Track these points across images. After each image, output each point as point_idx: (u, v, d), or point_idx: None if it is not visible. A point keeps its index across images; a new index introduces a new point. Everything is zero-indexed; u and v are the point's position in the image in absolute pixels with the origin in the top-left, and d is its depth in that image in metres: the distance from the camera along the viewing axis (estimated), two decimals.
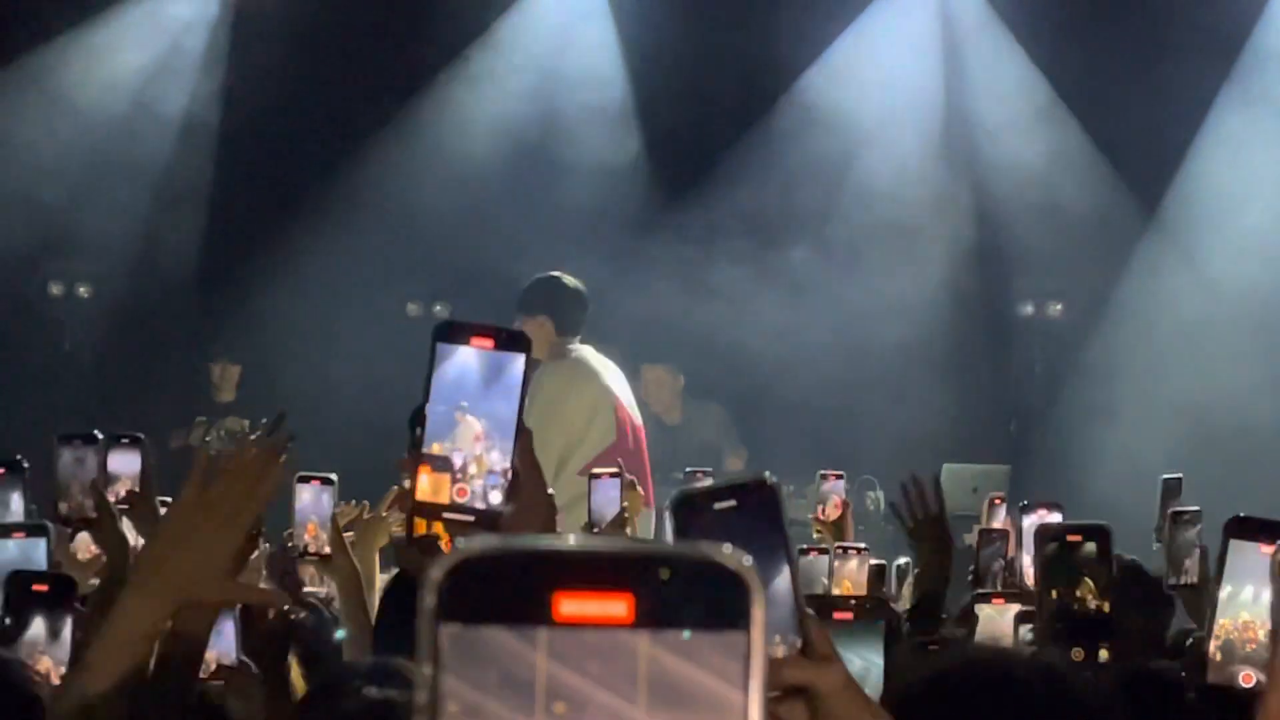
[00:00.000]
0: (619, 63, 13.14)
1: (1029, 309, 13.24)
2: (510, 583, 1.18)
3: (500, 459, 2.55)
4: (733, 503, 2.16)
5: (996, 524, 6.58)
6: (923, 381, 12.51)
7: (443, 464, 2.53)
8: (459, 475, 2.53)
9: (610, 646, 1.18)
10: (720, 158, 13.05)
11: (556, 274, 9.17)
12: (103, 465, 4.74)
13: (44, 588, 3.44)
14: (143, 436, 4.99)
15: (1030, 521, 5.56)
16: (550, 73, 13.15)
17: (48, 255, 12.66)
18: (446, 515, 2.53)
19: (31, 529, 4.26)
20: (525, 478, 2.56)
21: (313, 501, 5.17)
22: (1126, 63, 12.44)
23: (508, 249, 12.56)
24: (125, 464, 4.92)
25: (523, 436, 2.59)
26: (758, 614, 1.20)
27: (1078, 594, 3.75)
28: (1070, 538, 3.84)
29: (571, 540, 1.21)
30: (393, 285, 12.85)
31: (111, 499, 4.67)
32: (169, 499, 4.75)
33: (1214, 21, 12.42)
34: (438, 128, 12.98)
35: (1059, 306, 13.20)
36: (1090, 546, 3.75)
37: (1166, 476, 6.63)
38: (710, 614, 1.19)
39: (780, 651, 2.15)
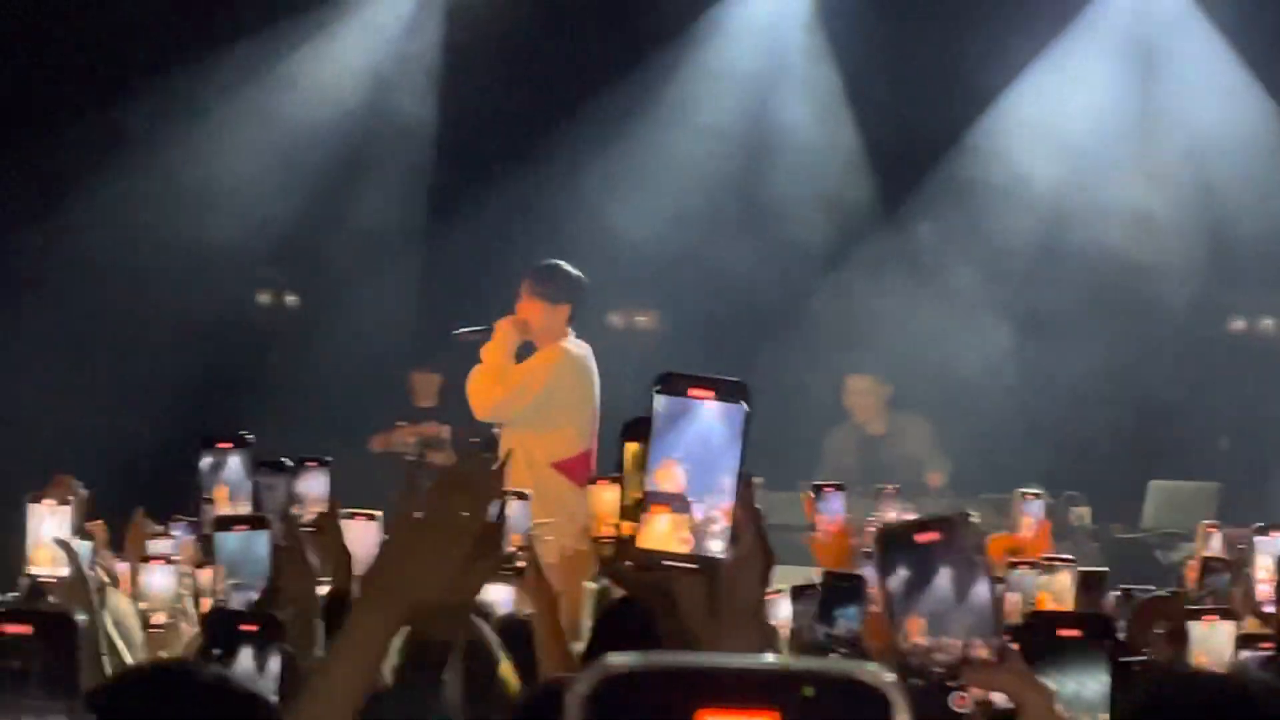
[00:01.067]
0: (831, 72, 13.13)
1: (1240, 324, 13.06)
2: (656, 698, 1.19)
3: (720, 509, 2.56)
4: (935, 536, 2.28)
5: (1214, 551, 6.47)
6: (1130, 397, 12.35)
7: (681, 505, 2.55)
8: (681, 524, 2.55)
9: None
10: (932, 175, 12.98)
11: (564, 264, 9.35)
12: (289, 490, 4.81)
13: (252, 628, 3.50)
14: (330, 459, 5.07)
15: (1265, 542, 5.49)
16: (761, 77, 13.15)
17: (258, 262, 12.84)
18: (668, 563, 2.55)
19: (254, 521, 4.30)
20: (745, 528, 2.57)
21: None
22: None
23: (723, 254, 12.60)
24: (314, 486, 5.00)
25: (744, 487, 2.61)
26: None
27: None
28: None
29: (716, 657, 1.22)
30: (602, 293, 12.87)
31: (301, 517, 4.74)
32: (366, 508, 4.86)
33: None
34: (650, 128, 13.00)
35: (1271, 322, 13.00)
36: None
37: None
38: None
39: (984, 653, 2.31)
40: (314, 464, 5.04)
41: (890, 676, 1.22)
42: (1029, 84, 12.89)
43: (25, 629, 2.20)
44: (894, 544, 2.37)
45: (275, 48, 12.80)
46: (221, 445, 4.61)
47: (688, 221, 12.82)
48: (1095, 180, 12.82)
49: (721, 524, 2.53)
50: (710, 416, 2.56)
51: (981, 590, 2.34)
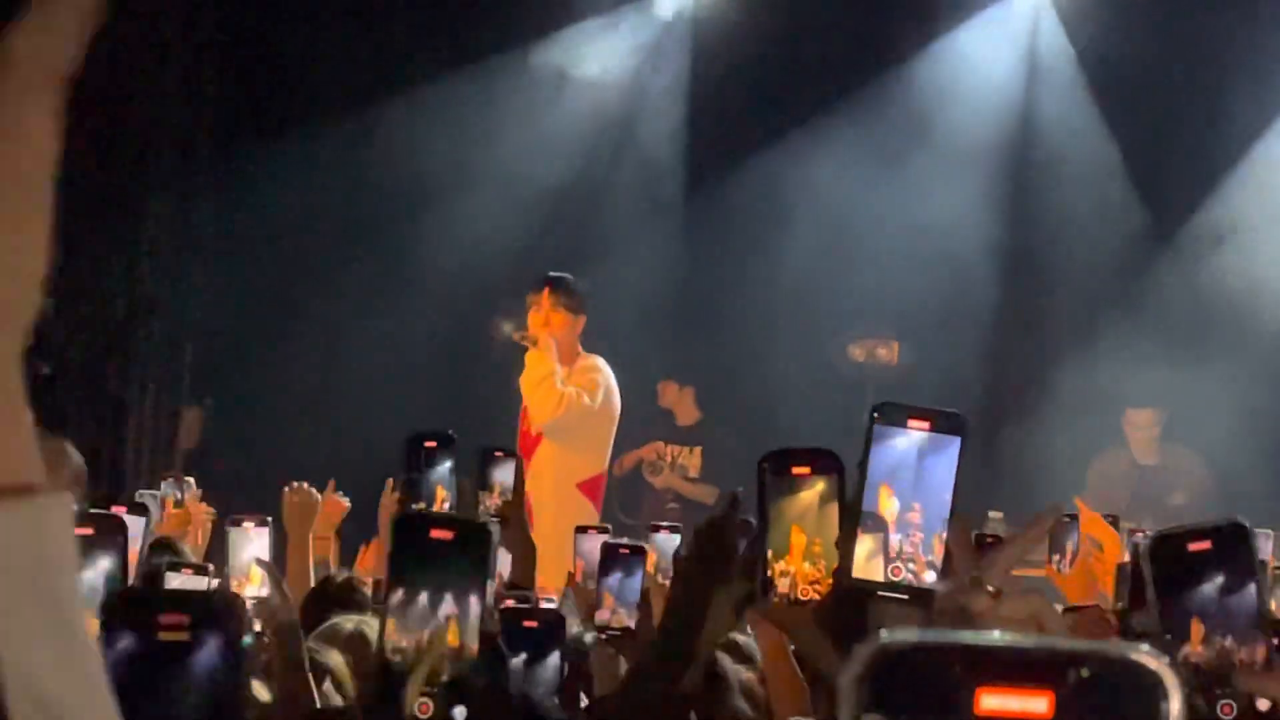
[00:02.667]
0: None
1: None
2: (932, 675, 1.21)
3: (934, 541, 2.57)
4: (1207, 544, 2.37)
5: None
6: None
7: (875, 524, 2.57)
8: (894, 555, 2.57)
9: None
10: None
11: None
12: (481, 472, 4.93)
13: (534, 624, 3.61)
14: (516, 452, 5.17)
15: None
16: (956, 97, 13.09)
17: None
18: (881, 594, 2.57)
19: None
20: (958, 560, 2.58)
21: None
22: None
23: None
24: (502, 474, 5.08)
25: (957, 519, 2.62)
26: (1174, 716, 1.21)
27: None
28: None
29: (994, 635, 1.23)
30: (831, 318, 12.83)
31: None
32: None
33: None
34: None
35: None
36: None
37: None
38: (1128, 714, 1.20)
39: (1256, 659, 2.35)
40: (501, 454, 5.10)
41: (1166, 659, 1.22)
42: None
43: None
44: (1166, 554, 2.40)
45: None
46: (429, 445, 4.70)
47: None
48: None
49: (935, 556, 2.55)
50: (928, 447, 2.58)
51: (1250, 597, 2.36)
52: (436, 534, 2.68)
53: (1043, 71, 13.13)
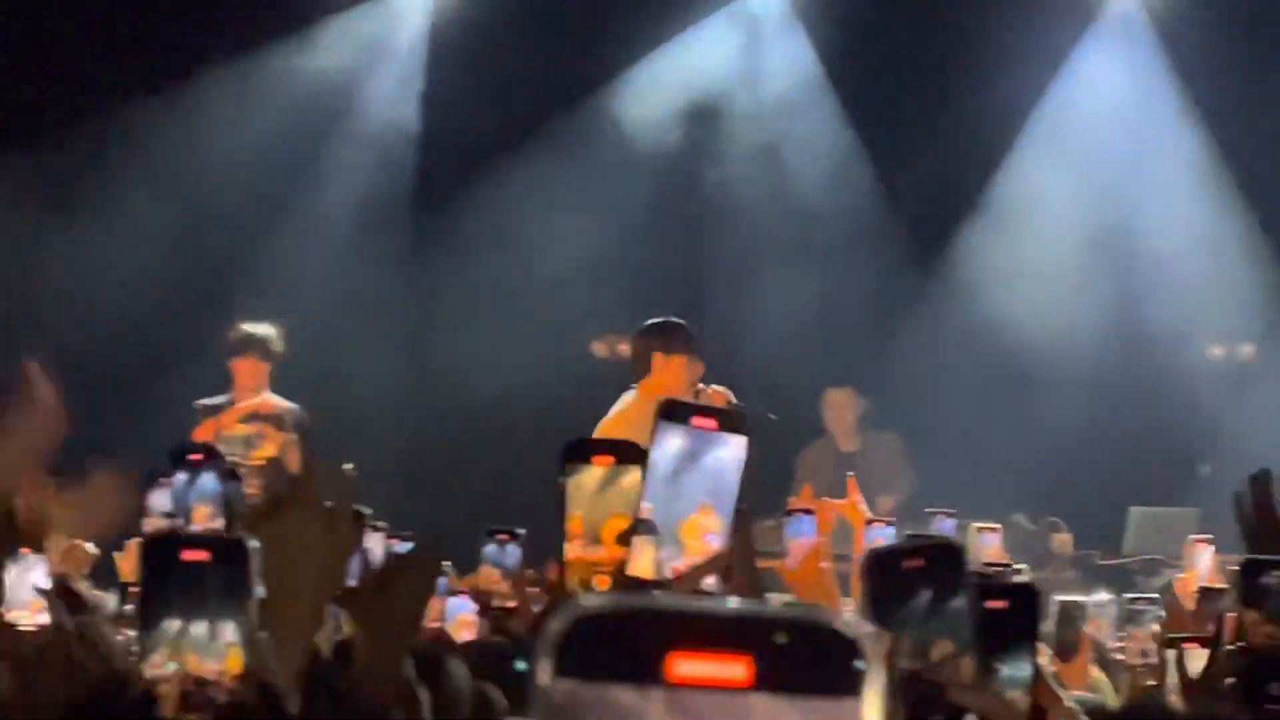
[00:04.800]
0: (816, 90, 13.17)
1: (1219, 349, 13.12)
2: (627, 641, 1.19)
3: (714, 541, 2.55)
4: (920, 561, 2.37)
5: (1204, 569, 6.37)
6: (1111, 423, 12.36)
7: (647, 527, 2.54)
8: (670, 555, 2.54)
9: (724, 709, 1.18)
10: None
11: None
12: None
13: None
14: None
15: None
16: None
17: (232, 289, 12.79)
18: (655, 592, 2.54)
19: None
20: (738, 560, 2.57)
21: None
22: None
23: (697, 274, 12.65)
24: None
25: (739, 519, 2.60)
26: (874, 681, 1.19)
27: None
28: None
29: (690, 601, 1.21)
30: (578, 317, 12.82)
31: None
32: None
33: None
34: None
35: (1249, 347, 13.06)
36: None
37: None
38: (826, 679, 1.19)
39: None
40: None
41: (866, 626, 1.21)
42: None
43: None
44: (880, 569, 2.42)
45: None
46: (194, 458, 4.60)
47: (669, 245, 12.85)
48: (1083, 212, 12.87)
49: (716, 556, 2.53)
50: (711, 445, 2.56)
51: (961, 613, 2.40)
52: (189, 555, 2.57)
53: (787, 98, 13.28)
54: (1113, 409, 12.37)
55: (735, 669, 1.18)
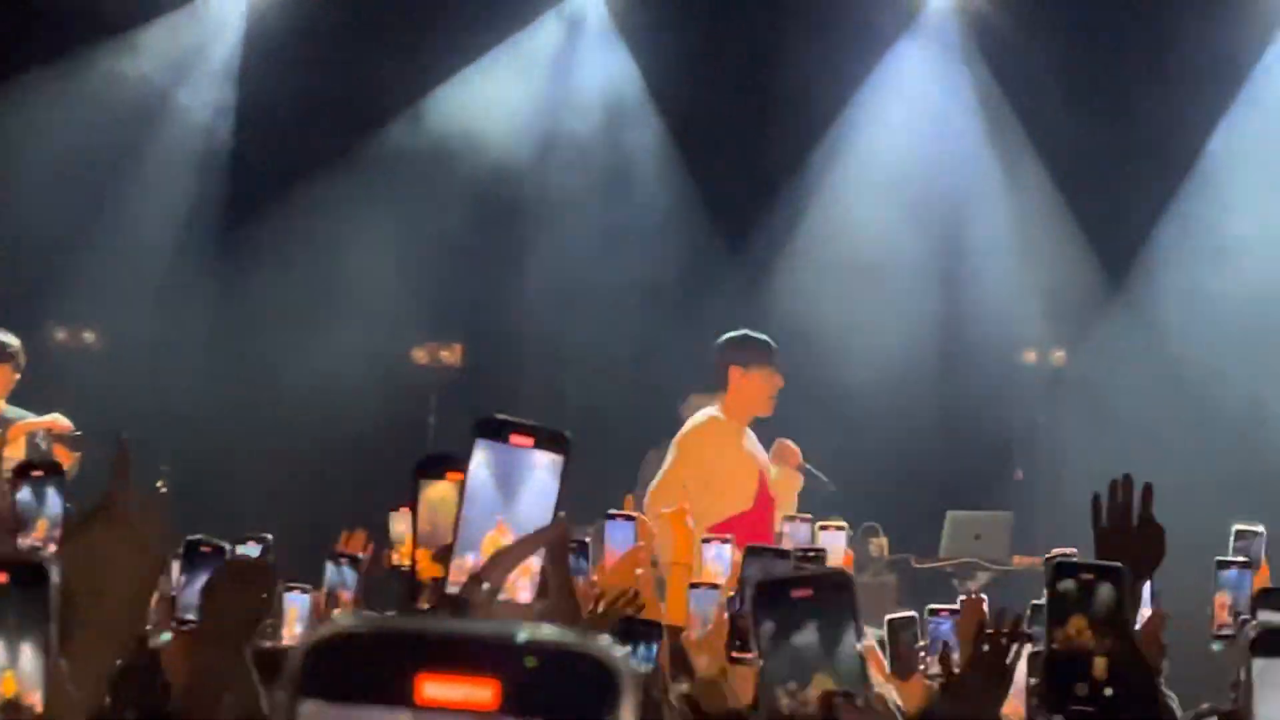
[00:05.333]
0: (637, 90, 13.18)
1: (1031, 354, 13.30)
2: (375, 662, 1.17)
3: (532, 558, 2.54)
4: (809, 592, 2.29)
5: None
6: (926, 428, 12.47)
7: (465, 543, 2.52)
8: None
9: None
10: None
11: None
12: None
13: None
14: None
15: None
16: (554, 99, 13.19)
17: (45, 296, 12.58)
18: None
19: None
20: (553, 581, 2.55)
21: None
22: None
23: (520, 284, 12.68)
24: None
25: (556, 540, 2.59)
26: (627, 708, 1.18)
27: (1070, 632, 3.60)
28: (1084, 576, 3.61)
29: (442, 623, 1.19)
30: (400, 324, 12.75)
31: None
32: None
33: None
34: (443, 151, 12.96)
35: (1061, 353, 13.25)
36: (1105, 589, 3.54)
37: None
38: (578, 705, 1.17)
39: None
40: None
41: (620, 652, 1.20)
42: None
43: None
44: (769, 598, 2.44)
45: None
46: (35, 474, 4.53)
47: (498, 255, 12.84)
48: (897, 215, 12.98)
49: (532, 573, 2.52)
50: (529, 465, 2.54)
51: (850, 642, 2.43)
52: None
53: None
54: (928, 414, 12.49)
55: (484, 692, 1.16)
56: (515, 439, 2.56)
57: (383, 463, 11.52)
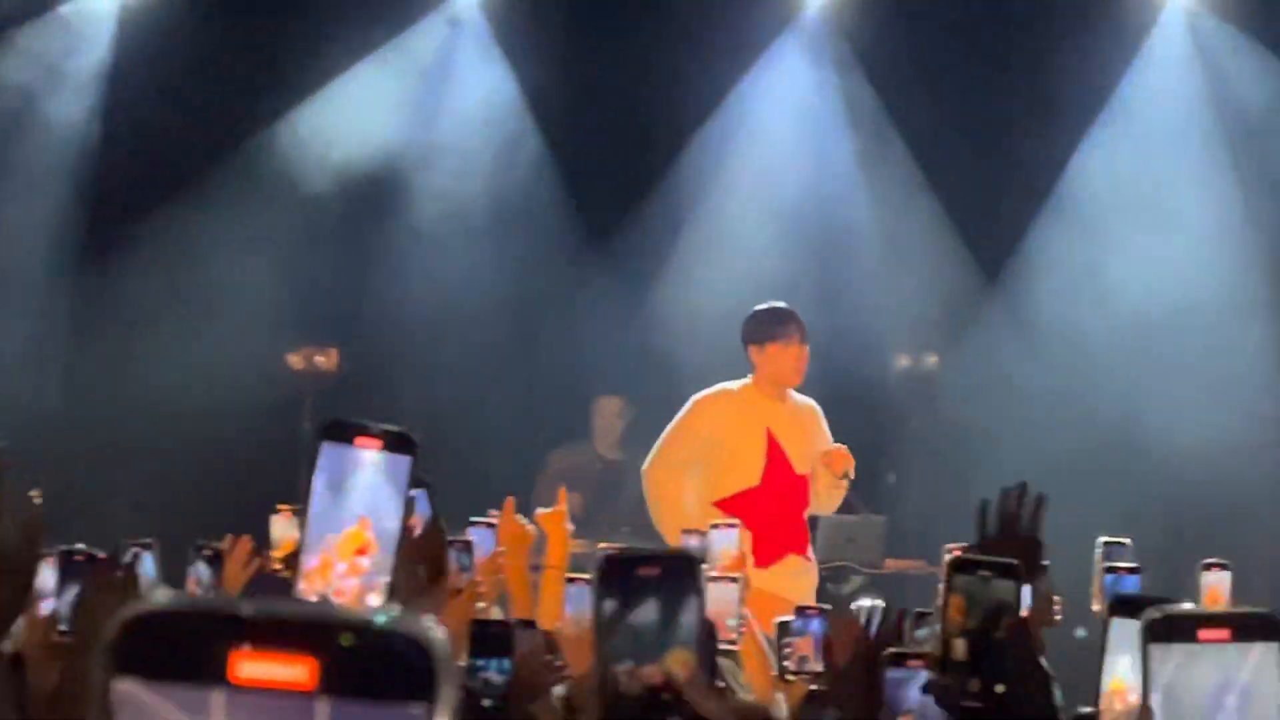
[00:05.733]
0: (512, 97, 13.17)
1: (905, 360, 13.39)
2: (189, 641, 1.16)
3: (379, 565, 2.51)
4: (656, 570, 2.29)
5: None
6: None
7: (309, 547, 2.50)
8: (323, 576, 2.50)
9: (287, 711, 1.16)
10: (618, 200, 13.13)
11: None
12: None
13: None
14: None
15: None
16: (434, 105, 13.15)
17: None
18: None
19: None
20: (404, 585, 2.55)
21: None
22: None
23: (396, 292, 12.66)
24: None
25: (406, 538, 2.58)
26: (445, 687, 1.18)
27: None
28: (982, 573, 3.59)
29: (257, 602, 1.19)
30: (272, 328, 12.66)
31: None
32: None
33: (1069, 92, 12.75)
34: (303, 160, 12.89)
35: (934, 358, 13.34)
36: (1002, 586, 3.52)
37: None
38: (394, 684, 1.17)
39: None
40: None
41: (439, 633, 1.20)
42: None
43: None
44: (614, 573, 2.43)
45: None
46: None
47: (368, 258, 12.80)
48: (767, 218, 13.02)
49: (385, 578, 2.50)
50: (375, 466, 2.52)
51: (692, 619, 2.42)
52: None
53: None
54: None
55: (299, 671, 1.16)
56: (360, 441, 2.55)
57: (258, 467, 11.53)
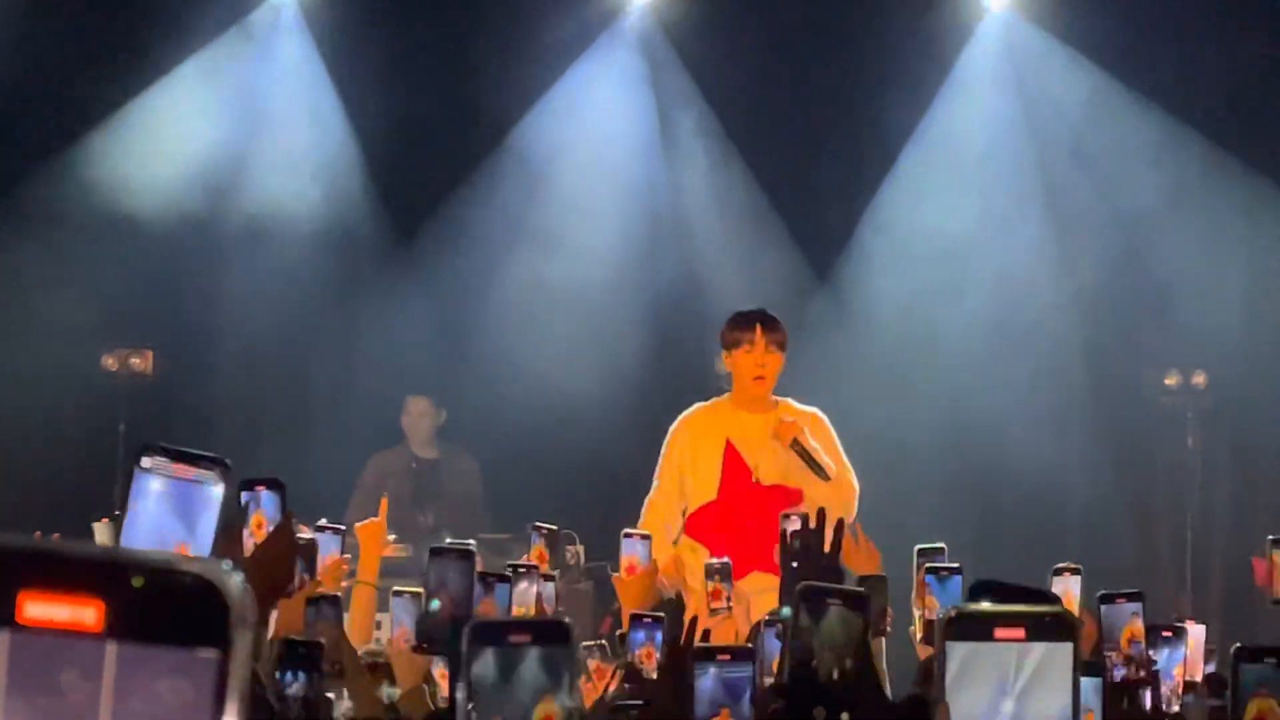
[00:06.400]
0: (331, 103, 13.08)
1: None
2: None
3: None
4: (527, 637, 2.24)
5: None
6: (612, 437, 12.42)
7: None
8: None
9: (75, 654, 1.14)
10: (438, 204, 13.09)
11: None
12: None
13: None
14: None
15: None
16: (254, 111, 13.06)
17: None
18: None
19: None
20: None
21: None
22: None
23: (212, 294, 12.55)
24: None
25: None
26: (239, 633, 1.16)
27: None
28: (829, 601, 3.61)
29: (45, 541, 1.17)
30: (88, 330, 12.49)
31: None
32: None
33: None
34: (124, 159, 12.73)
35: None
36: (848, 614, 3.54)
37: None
38: (185, 629, 1.15)
39: None
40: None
41: (235, 576, 1.18)
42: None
43: None
44: (484, 640, 2.31)
45: None
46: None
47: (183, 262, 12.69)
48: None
49: None
50: (188, 490, 2.50)
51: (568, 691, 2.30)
52: None
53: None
54: (629, 424, 12.47)
55: (87, 613, 1.14)
56: (177, 468, 2.54)
57: (75, 471, 11.38)
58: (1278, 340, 12.55)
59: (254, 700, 3.15)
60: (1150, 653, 4.59)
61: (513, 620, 2.48)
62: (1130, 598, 4.53)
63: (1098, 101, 13.02)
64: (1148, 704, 4.70)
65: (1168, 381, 12.81)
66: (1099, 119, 13.02)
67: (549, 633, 2.31)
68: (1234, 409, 12.78)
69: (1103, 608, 4.59)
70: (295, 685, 4.12)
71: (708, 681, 3.73)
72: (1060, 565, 5.38)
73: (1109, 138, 12.93)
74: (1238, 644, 3.55)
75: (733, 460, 8.33)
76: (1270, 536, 7.47)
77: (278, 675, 4.08)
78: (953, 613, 1.98)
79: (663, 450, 8.57)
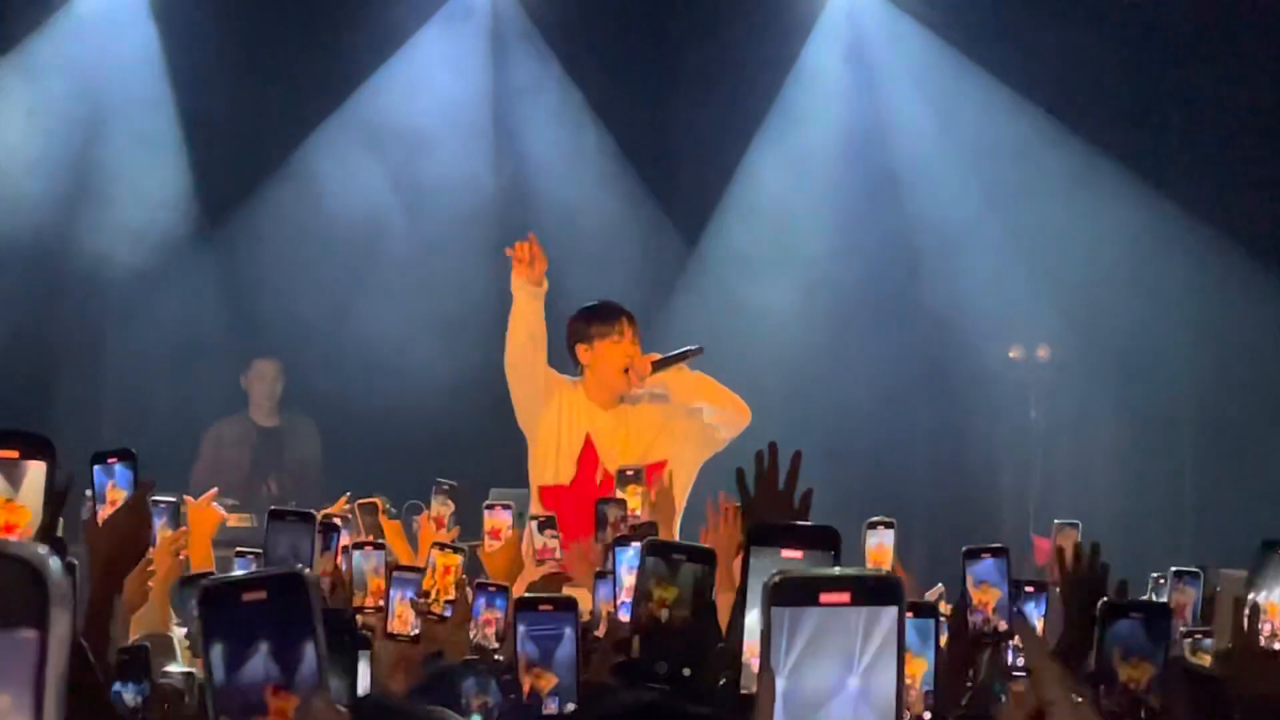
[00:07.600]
0: (165, 81, 12.94)
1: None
2: None
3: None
4: (263, 594, 1.95)
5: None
6: (480, 407, 12.39)
7: None
8: None
9: None
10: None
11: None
12: None
13: None
14: None
15: None
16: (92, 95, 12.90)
17: None
18: None
19: None
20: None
21: None
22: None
23: (53, 279, 12.44)
24: None
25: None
26: (56, 613, 1.16)
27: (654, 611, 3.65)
28: (674, 556, 3.61)
29: None
30: None
31: None
32: None
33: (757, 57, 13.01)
34: None
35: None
36: (693, 569, 3.56)
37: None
38: (5, 610, 1.15)
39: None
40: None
41: (52, 559, 1.17)
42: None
43: None
44: (217, 604, 1.95)
45: None
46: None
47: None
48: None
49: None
50: (18, 473, 2.50)
51: (310, 654, 1.98)
52: None
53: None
54: (461, 396, 12.40)
55: None
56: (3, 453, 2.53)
57: None
58: (1119, 313, 12.71)
59: (104, 708, 3.09)
60: (1015, 607, 4.63)
61: (244, 577, 2.03)
62: (995, 553, 4.57)
63: (938, 66, 13.16)
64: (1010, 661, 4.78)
65: (1011, 355, 12.95)
66: (938, 82, 13.16)
67: (284, 584, 1.94)
68: (1076, 381, 12.94)
69: (966, 563, 4.61)
70: (129, 694, 4.10)
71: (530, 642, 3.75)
72: (874, 519, 5.34)
73: (958, 111, 13.07)
74: (1104, 599, 3.64)
75: (589, 456, 8.17)
76: (1057, 520, 7.61)
77: (114, 689, 4.05)
78: (777, 577, 1.94)
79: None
